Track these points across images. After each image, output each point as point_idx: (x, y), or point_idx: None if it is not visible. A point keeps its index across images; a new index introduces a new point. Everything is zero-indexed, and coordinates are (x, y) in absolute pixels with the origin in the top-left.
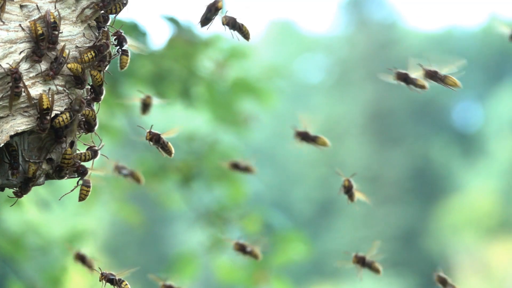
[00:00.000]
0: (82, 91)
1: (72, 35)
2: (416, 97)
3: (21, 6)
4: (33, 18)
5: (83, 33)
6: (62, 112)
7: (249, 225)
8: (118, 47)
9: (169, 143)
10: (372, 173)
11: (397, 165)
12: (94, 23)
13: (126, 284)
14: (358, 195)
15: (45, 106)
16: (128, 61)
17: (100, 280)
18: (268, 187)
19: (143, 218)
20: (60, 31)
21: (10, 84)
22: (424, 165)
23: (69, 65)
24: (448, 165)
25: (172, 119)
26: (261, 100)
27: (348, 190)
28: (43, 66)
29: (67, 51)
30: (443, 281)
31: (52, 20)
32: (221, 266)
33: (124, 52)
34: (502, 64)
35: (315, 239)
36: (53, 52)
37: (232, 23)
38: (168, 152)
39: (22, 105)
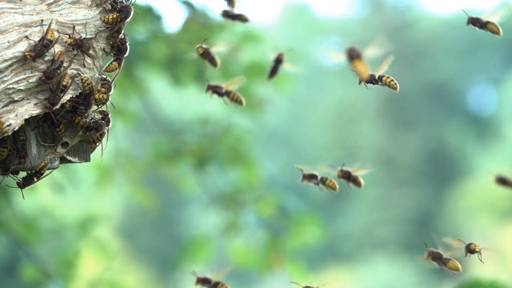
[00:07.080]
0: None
1: (88, 19)
2: (431, 80)
3: None
4: (48, 2)
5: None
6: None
7: (264, 208)
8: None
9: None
10: (387, 156)
11: (411, 148)
12: (109, 6)
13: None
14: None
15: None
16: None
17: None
18: (283, 170)
19: (158, 201)
20: (51, 49)
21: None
22: (439, 148)
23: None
24: (463, 148)
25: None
26: (275, 83)
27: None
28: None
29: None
30: (503, 181)
31: (49, 37)
32: (235, 249)
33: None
34: None
35: (329, 223)
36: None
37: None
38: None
39: (37, 89)
